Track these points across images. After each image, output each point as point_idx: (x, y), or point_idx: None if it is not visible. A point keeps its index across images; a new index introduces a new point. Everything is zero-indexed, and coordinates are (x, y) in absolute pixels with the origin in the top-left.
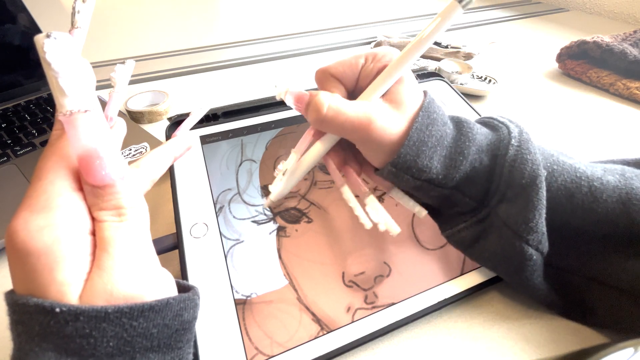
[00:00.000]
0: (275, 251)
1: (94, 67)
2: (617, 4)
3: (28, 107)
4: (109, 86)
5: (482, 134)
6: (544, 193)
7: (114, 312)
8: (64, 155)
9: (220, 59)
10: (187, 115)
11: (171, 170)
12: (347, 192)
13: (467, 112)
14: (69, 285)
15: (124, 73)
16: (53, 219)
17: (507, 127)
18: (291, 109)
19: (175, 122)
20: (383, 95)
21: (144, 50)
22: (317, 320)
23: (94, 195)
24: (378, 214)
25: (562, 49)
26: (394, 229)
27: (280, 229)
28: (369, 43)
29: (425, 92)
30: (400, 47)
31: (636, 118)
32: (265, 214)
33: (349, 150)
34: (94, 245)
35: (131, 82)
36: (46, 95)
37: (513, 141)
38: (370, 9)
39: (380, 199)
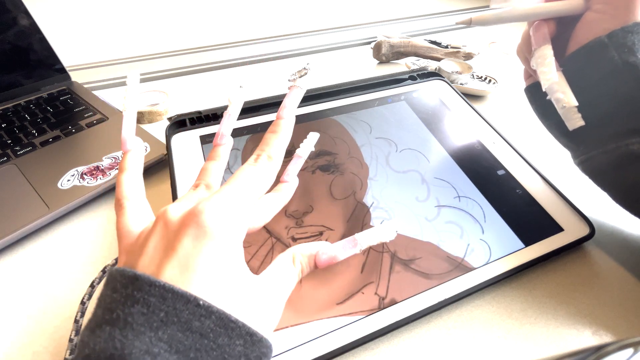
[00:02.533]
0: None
1: (94, 67)
2: None
3: (28, 107)
4: (110, 86)
5: None
6: None
7: (244, 327)
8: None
9: (220, 59)
10: (187, 115)
11: (171, 170)
12: (547, 49)
13: (467, 112)
14: None
15: (240, 96)
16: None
17: None
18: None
19: (176, 122)
20: None
21: (144, 50)
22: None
23: None
24: (561, 84)
25: None
26: (572, 100)
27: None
28: (369, 43)
29: None
30: (400, 47)
31: None
32: None
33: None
34: None
35: None
36: (46, 95)
37: None
38: (370, 9)
39: None
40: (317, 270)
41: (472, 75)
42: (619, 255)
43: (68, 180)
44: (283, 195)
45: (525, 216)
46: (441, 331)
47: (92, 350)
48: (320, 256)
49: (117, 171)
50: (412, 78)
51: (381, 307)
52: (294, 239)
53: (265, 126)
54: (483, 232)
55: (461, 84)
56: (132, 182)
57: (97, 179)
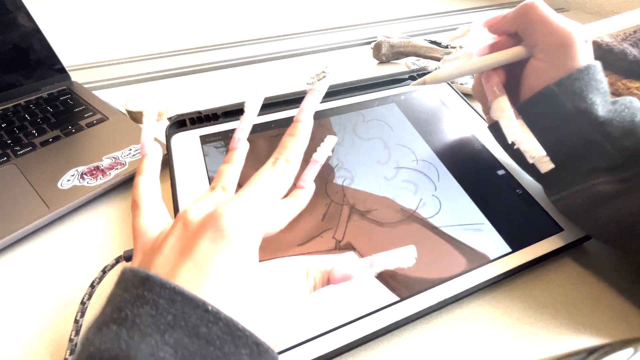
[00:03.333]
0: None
1: (94, 67)
2: (617, 4)
3: (28, 107)
4: (110, 86)
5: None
6: None
7: (251, 336)
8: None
9: (220, 59)
10: (187, 115)
11: (171, 170)
12: (504, 102)
13: (467, 112)
14: None
15: (255, 103)
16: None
17: None
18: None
19: (176, 122)
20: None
21: (144, 50)
22: None
23: None
24: (525, 133)
25: None
26: (539, 151)
27: None
28: (369, 43)
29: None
30: (400, 47)
31: None
32: None
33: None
34: None
35: (131, 82)
36: (46, 95)
37: None
38: (370, 9)
39: None
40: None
41: (472, 75)
42: (619, 255)
43: (68, 180)
44: (300, 201)
45: (525, 216)
46: (441, 331)
47: (96, 349)
48: (334, 274)
49: (117, 171)
50: (412, 78)
51: (337, 248)
52: None
53: (265, 126)
54: (435, 190)
55: (461, 84)
56: (149, 184)
57: (97, 179)
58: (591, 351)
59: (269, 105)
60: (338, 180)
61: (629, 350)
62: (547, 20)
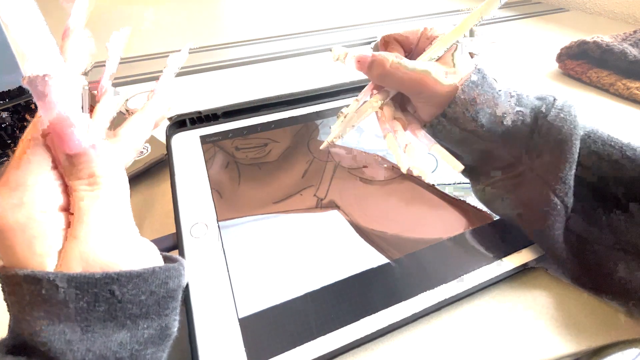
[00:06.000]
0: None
1: (95, 67)
2: (617, 4)
3: (28, 107)
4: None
5: (527, 98)
6: (577, 150)
7: (103, 278)
8: (42, 131)
9: (220, 59)
10: (187, 115)
11: (171, 170)
12: (391, 139)
13: None
14: (47, 256)
15: (118, 41)
16: (26, 197)
17: (554, 97)
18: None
19: (176, 122)
20: (439, 59)
21: (144, 50)
22: None
23: (68, 163)
24: (416, 158)
25: (562, 49)
26: (426, 173)
27: None
28: (369, 43)
29: (477, 64)
30: None
31: (636, 118)
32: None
33: (398, 108)
34: (68, 220)
35: (131, 82)
36: None
37: (557, 104)
38: (370, 9)
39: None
40: (257, 174)
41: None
42: None
43: None
44: (150, 111)
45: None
46: (441, 331)
47: None
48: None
49: None
50: None
51: (318, 207)
52: (238, 149)
53: (265, 126)
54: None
55: None
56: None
57: None
58: (594, 352)
59: (269, 105)
60: (323, 137)
61: (630, 350)
62: (398, 74)
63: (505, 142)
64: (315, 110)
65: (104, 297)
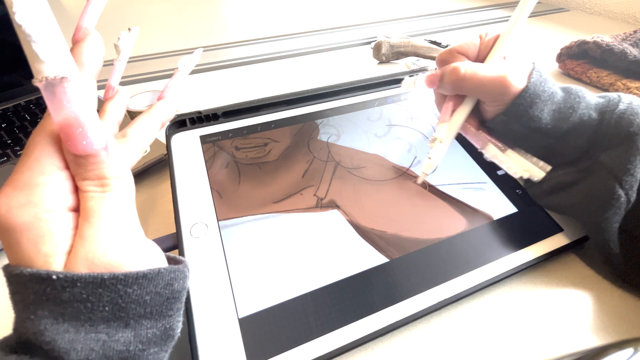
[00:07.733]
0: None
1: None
2: (617, 4)
3: (28, 107)
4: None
5: (591, 96)
6: None
7: (109, 279)
8: (52, 131)
9: (220, 59)
10: (187, 115)
11: (171, 170)
12: (493, 149)
13: None
14: (53, 256)
15: (128, 41)
16: (33, 197)
17: (619, 95)
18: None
19: (176, 122)
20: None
21: (144, 50)
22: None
23: (77, 165)
24: (520, 163)
25: (562, 49)
26: (537, 172)
27: None
28: (369, 43)
29: (533, 62)
30: (400, 47)
31: None
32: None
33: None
34: (77, 220)
35: (131, 82)
36: None
37: (624, 99)
38: (370, 9)
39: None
40: (256, 174)
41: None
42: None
43: None
44: (155, 115)
45: (525, 216)
46: (441, 331)
47: None
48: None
49: None
50: None
51: (318, 206)
52: (237, 149)
53: (265, 126)
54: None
55: None
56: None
57: None
58: (592, 351)
59: (269, 105)
60: (323, 137)
61: (629, 350)
62: (476, 78)
63: (571, 137)
64: (315, 110)
65: (109, 298)
